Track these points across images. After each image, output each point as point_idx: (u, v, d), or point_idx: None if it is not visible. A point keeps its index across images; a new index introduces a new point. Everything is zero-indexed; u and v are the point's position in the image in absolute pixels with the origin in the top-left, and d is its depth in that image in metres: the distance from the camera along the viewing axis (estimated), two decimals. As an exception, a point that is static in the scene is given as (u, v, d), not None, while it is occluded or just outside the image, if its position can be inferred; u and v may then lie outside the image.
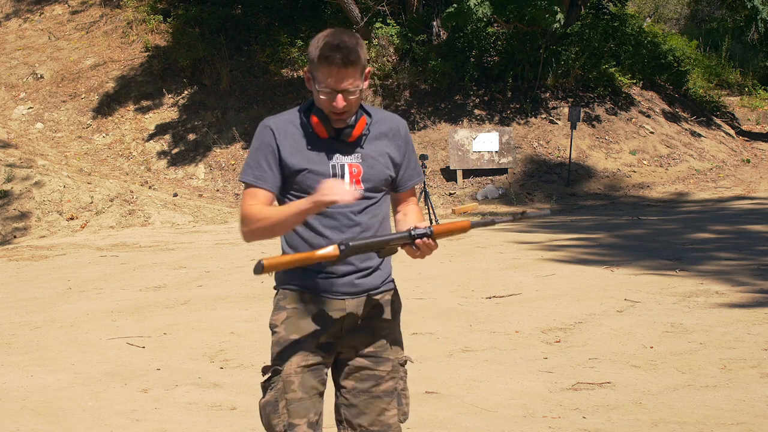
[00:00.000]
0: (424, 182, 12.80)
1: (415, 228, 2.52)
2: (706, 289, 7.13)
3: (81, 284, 8.67)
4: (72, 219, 12.99)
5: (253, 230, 2.54)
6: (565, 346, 5.68)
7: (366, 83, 2.57)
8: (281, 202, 2.62)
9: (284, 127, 2.59)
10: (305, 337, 2.56)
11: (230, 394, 4.90)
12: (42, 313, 7.27)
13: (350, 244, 2.46)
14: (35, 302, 7.80)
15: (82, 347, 6.08)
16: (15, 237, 12.47)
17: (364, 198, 2.58)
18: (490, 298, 7.18)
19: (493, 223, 2.61)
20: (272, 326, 2.63)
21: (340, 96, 2.49)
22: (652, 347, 5.53)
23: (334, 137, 2.57)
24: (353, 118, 2.56)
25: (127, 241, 11.78)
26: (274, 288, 2.68)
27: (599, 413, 4.37)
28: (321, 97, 2.51)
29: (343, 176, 2.56)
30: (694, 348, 5.47)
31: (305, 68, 2.62)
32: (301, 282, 2.59)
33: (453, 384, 4.94)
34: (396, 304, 2.70)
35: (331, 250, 2.45)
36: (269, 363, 2.62)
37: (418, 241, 2.50)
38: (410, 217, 2.71)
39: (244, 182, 2.60)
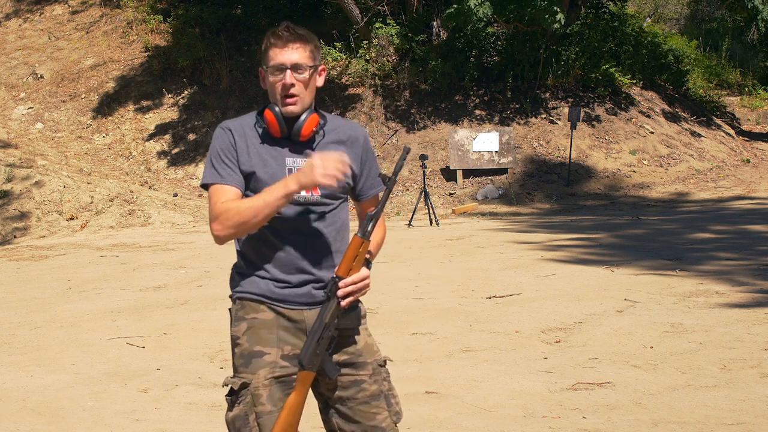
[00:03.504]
0: (424, 182, 12.81)
1: (331, 284, 2.47)
2: (706, 289, 7.13)
3: (81, 284, 8.67)
4: (72, 219, 12.98)
5: (230, 225, 2.42)
6: (565, 346, 5.68)
7: (321, 79, 2.56)
8: None
9: (241, 129, 2.55)
10: (269, 348, 2.49)
11: (230, 394, 4.90)
12: (42, 313, 7.27)
13: (306, 360, 2.43)
14: (35, 302, 7.80)
15: (82, 347, 6.08)
16: (15, 237, 12.47)
17: (320, 204, 2.52)
18: (490, 298, 7.18)
19: (375, 216, 2.51)
20: (234, 338, 2.54)
21: (288, 71, 2.47)
22: (652, 347, 5.53)
23: (287, 137, 2.52)
24: (305, 113, 2.51)
25: (127, 241, 11.78)
26: (230, 297, 2.60)
27: (599, 413, 4.37)
28: (271, 79, 2.49)
29: None
30: (694, 348, 5.47)
31: (260, 69, 2.56)
32: (258, 290, 2.52)
33: (453, 384, 4.94)
34: (359, 310, 2.58)
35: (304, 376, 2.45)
36: (233, 376, 2.53)
37: (341, 292, 2.45)
38: None
39: (208, 184, 2.50)
